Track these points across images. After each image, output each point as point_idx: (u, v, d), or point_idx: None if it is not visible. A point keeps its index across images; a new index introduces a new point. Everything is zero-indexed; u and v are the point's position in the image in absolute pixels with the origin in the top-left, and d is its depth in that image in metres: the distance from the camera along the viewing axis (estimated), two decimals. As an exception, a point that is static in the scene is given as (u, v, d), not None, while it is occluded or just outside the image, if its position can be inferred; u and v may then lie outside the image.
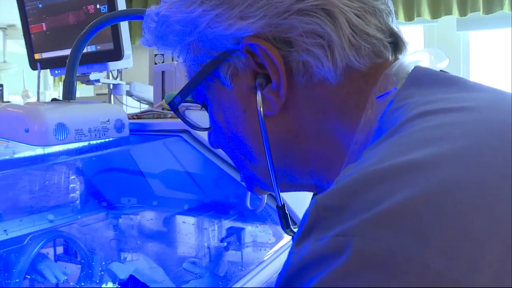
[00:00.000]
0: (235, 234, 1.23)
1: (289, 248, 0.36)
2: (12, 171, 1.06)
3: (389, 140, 0.38)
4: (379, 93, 0.46)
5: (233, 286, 0.87)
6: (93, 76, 1.59)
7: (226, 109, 0.55)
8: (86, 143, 0.90)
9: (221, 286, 0.87)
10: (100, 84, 1.67)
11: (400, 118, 0.40)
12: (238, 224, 1.26)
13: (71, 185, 1.29)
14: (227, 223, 1.26)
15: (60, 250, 1.24)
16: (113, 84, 1.80)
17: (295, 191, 0.59)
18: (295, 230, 0.64)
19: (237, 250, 1.22)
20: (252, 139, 0.54)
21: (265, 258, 1.07)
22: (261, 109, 0.50)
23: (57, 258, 1.23)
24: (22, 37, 1.79)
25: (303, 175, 0.54)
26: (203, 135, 0.96)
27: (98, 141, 0.92)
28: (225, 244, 1.23)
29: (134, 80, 1.82)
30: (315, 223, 0.34)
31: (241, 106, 0.53)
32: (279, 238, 1.17)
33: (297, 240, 0.35)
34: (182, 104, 0.59)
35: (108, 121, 0.92)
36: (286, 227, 0.62)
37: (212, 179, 1.24)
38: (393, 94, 0.45)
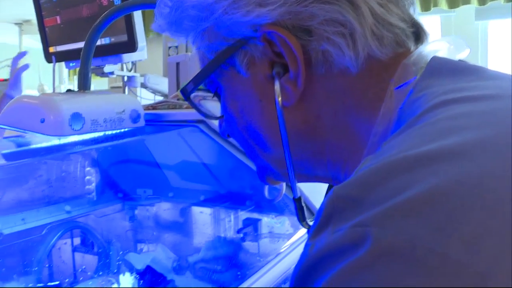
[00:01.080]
0: (252, 225, 1.22)
1: (306, 240, 0.35)
2: (29, 161, 1.06)
3: (409, 130, 0.37)
4: (398, 83, 0.45)
5: (239, 286, 0.85)
6: (107, 68, 1.59)
7: (241, 98, 0.54)
8: (101, 133, 0.90)
9: (223, 287, 0.86)
10: (114, 76, 1.68)
11: (420, 108, 0.39)
12: (255, 215, 1.25)
13: (87, 176, 1.30)
14: (243, 214, 1.25)
15: (77, 240, 1.24)
16: (128, 77, 1.80)
17: (310, 182, 0.58)
18: (311, 223, 0.65)
19: (254, 241, 1.21)
20: (268, 129, 0.53)
21: (282, 250, 1.06)
22: (280, 99, 0.49)
23: (75, 248, 1.24)
24: (37, 32, 1.80)
25: (320, 167, 0.53)
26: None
27: (114, 131, 0.92)
28: (241, 235, 1.22)
29: (148, 73, 1.82)
30: (332, 214, 0.33)
31: (257, 95, 0.52)
32: (296, 229, 1.16)
33: (314, 232, 0.34)
34: (196, 93, 0.58)
35: (123, 111, 0.91)
36: (302, 220, 0.61)
37: (228, 169, 1.23)
38: (412, 84, 0.44)
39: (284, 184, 0.82)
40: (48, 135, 0.83)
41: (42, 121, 0.83)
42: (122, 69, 1.83)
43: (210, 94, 0.62)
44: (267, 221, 1.23)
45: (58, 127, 0.82)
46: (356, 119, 0.48)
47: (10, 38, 5.80)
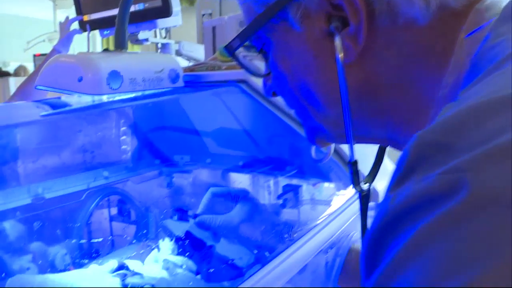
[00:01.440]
0: (292, 191, 1.19)
1: (386, 193, 0.32)
2: (67, 124, 1.05)
3: (491, 76, 0.33)
4: (469, 30, 0.41)
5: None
6: (141, 35, 1.56)
7: (293, 54, 0.50)
8: (139, 93, 0.87)
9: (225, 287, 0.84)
10: (148, 43, 1.65)
11: (500, 54, 0.35)
12: (295, 181, 1.21)
13: (125, 143, 1.28)
14: (283, 180, 1.22)
15: (115, 206, 1.24)
16: (162, 44, 1.78)
17: (364, 143, 0.54)
18: (365, 186, 0.61)
19: (294, 207, 1.18)
20: (323, 87, 0.49)
21: (323, 217, 1.03)
22: (341, 55, 0.45)
23: (113, 214, 1.23)
24: (71, 5, 1.78)
25: (378, 127, 0.50)
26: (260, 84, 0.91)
27: (152, 91, 0.89)
28: (281, 201, 1.19)
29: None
30: (418, 162, 0.30)
31: (312, 52, 0.48)
32: (338, 196, 1.12)
33: (395, 182, 0.31)
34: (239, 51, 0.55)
35: (162, 70, 0.88)
36: (356, 184, 0.58)
37: (269, 132, 1.20)
38: (485, 29, 0.40)
39: (332, 145, 0.78)
40: (86, 94, 0.81)
41: (80, 79, 0.80)
42: (155, 36, 1.81)
43: (250, 53, 0.58)
44: (308, 187, 1.20)
45: (96, 85, 0.80)
46: (422, 75, 0.44)
47: (44, 13, 5.87)
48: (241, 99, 0.97)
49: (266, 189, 1.23)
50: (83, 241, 1.14)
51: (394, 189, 0.31)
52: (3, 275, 0.90)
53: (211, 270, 0.96)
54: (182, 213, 1.03)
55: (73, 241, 1.11)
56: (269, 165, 1.21)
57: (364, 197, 0.66)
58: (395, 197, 0.30)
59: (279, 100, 0.96)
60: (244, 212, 0.92)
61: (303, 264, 0.76)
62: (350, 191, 1.08)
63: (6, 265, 0.95)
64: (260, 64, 0.56)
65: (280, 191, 1.22)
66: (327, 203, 1.11)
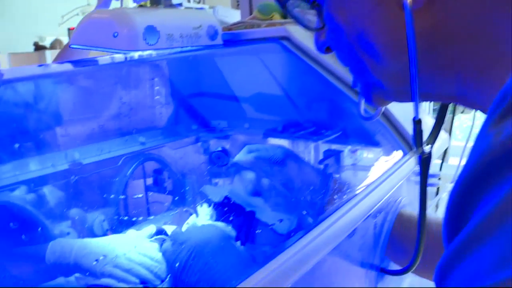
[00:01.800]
0: (334, 156, 1.14)
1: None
2: (103, 88, 1.03)
3: None
4: None
5: None
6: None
7: (352, 3, 0.46)
8: (177, 50, 0.83)
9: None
10: (182, 8, 1.61)
11: None
12: (338, 146, 1.16)
13: (161, 107, 1.25)
14: (325, 145, 1.17)
15: (152, 172, 1.22)
16: (196, 8, 1.73)
17: (427, 101, 0.51)
18: (427, 148, 0.58)
19: (336, 173, 1.13)
20: (387, 37, 0.45)
21: (370, 181, 0.98)
22: (410, 0, 0.41)
23: (150, 181, 1.21)
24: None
25: (446, 82, 0.45)
26: (306, 41, 0.85)
27: (189, 48, 0.85)
28: (322, 166, 1.15)
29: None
30: None
31: None
32: (383, 161, 1.07)
33: (497, 118, 0.28)
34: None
35: (200, 26, 0.84)
36: (419, 145, 0.55)
37: (311, 93, 1.14)
38: None
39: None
40: (121, 50, 0.77)
41: (115, 35, 0.77)
42: (189, 1, 1.77)
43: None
44: (351, 152, 1.15)
45: (132, 41, 0.76)
46: (502, 22, 0.39)
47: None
48: (281, 58, 0.92)
49: (307, 155, 1.19)
50: (120, 207, 1.12)
51: (497, 124, 0.27)
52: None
53: (251, 236, 0.93)
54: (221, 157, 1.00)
55: (111, 207, 1.10)
56: (310, 129, 1.16)
57: (425, 160, 0.61)
58: (499, 132, 0.27)
59: (325, 57, 0.91)
60: (284, 172, 0.87)
61: (351, 228, 0.72)
62: (396, 156, 1.03)
63: (47, 230, 0.95)
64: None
65: (321, 156, 1.17)
66: (372, 168, 1.06)
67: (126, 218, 1.14)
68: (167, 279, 0.79)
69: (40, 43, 5.36)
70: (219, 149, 1.07)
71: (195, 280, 0.75)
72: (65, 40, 5.22)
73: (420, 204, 0.69)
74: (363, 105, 0.71)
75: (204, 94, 1.32)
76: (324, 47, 0.54)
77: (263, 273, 0.57)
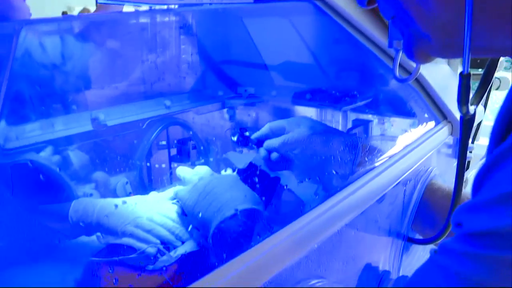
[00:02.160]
0: (362, 126, 1.11)
1: None
2: (129, 50, 1.01)
3: None
4: None
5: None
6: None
7: None
8: (206, 3, 0.80)
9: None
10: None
11: None
12: (364, 116, 1.13)
13: (188, 72, 1.23)
14: (352, 115, 1.14)
15: (176, 137, 1.20)
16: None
17: (476, 56, 0.46)
18: (472, 108, 0.54)
19: (364, 143, 1.10)
20: None
21: (397, 150, 0.95)
22: None
23: (174, 145, 1.20)
24: None
25: (502, 33, 0.42)
26: (340, 2, 0.81)
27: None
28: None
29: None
30: None
31: None
32: (413, 130, 1.03)
33: None
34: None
35: (230, -18, 0.81)
36: (464, 103, 0.52)
37: (343, 58, 1.11)
38: None
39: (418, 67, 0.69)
40: (149, 2, 0.75)
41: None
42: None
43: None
44: (379, 121, 1.11)
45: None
46: None
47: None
48: (313, 20, 0.89)
49: (334, 124, 1.16)
50: (143, 171, 1.12)
51: None
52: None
53: (276, 201, 0.91)
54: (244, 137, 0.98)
55: (134, 170, 1.10)
56: (339, 97, 1.13)
57: (467, 122, 0.58)
58: None
59: (360, 20, 0.87)
60: (310, 138, 0.85)
61: (381, 193, 0.69)
62: (428, 124, 0.99)
63: (71, 190, 0.94)
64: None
65: (349, 125, 1.14)
66: (403, 137, 1.03)
67: (149, 181, 1.13)
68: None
69: (69, 13, 5.39)
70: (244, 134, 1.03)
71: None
72: (93, 9, 5.23)
73: (458, 171, 0.65)
74: (398, 65, 0.68)
75: (232, 59, 1.30)
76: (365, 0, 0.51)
77: (287, 232, 0.55)
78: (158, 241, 0.75)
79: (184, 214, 0.80)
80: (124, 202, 0.80)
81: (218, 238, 0.69)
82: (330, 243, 0.64)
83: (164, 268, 0.70)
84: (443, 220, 0.76)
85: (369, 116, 1.12)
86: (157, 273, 0.69)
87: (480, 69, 0.94)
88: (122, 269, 0.71)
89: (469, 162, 1.34)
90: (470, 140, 1.41)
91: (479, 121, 1.18)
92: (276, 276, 0.52)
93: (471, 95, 0.57)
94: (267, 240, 0.53)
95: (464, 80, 0.49)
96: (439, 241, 0.76)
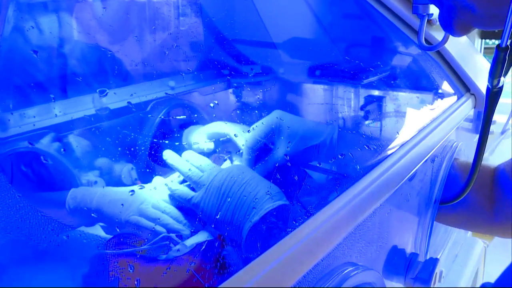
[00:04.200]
0: (376, 102, 1.07)
1: None
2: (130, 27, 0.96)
3: None
4: None
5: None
6: None
7: None
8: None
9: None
10: None
11: None
12: (377, 92, 1.09)
13: (191, 50, 1.18)
14: (364, 91, 1.09)
15: (181, 119, 1.16)
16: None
17: None
18: (501, 83, 0.52)
19: (377, 120, 1.06)
20: None
21: (419, 127, 0.91)
22: None
23: (180, 126, 1.15)
24: None
25: None
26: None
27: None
28: (362, 113, 1.08)
29: None
30: None
31: None
32: (426, 107, 0.99)
33: None
34: None
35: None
36: (497, 75, 0.50)
37: (355, 31, 1.06)
38: None
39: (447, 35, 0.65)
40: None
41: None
42: None
43: None
44: (393, 97, 1.07)
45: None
46: None
47: None
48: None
49: (346, 101, 1.11)
50: (149, 155, 1.07)
51: None
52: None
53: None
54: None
55: (139, 155, 1.05)
56: (350, 73, 1.08)
57: (495, 94, 0.55)
58: None
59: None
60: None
61: (413, 170, 0.66)
62: (450, 99, 0.95)
63: (74, 178, 0.90)
64: None
65: (361, 102, 1.10)
66: (425, 112, 0.99)
67: (154, 166, 1.09)
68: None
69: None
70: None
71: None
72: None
73: (479, 142, 0.63)
74: (423, 33, 0.64)
75: (238, 37, 1.24)
76: None
77: (324, 215, 0.51)
78: (165, 230, 0.71)
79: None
80: (126, 190, 0.76)
81: (250, 245, 0.64)
82: (362, 225, 0.60)
83: (186, 257, 0.66)
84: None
85: (387, 92, 1.07)
86: (176, 263, 0.65)
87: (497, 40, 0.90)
88: (137, 261, 0.66)
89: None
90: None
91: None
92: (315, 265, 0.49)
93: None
94: (303, 226, 0.49)
95: (501, 53, 0.47)
96: (460, 199, 0.74)
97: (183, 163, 0.77)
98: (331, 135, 0.78)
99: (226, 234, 0.67)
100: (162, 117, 1.08)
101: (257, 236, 0.63)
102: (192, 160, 0.78)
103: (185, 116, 1.16)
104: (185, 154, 0.81)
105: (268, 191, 0.65)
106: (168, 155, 0.80)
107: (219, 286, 0.40)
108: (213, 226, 0.69)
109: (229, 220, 0.66)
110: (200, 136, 0.91)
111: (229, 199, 0.67)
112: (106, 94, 0.92)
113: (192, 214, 0.73)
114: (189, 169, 0.75)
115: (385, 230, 0.69)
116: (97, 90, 0.93)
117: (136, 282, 0.56)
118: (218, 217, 0.68)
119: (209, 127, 0.89)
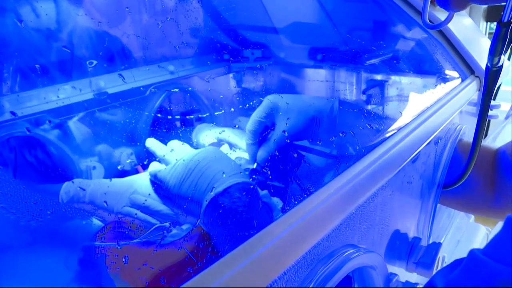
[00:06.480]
0: (378, 86, 1.05)
1: None
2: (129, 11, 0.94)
3: None
4: None
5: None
6: None
7: None
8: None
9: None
10: None
11: None
12: (379, 77, 1.07)
13: (191, 33, 1.16)
14: (367, 75, 1.07)
15: (181, 103, 1.14)
16: None
17: None
18: (502, 59, 0.50)
19: (379, 104, 1.04)
20: None
21: (407, 113, 0.89)
22: None
23: (179, 111, 1.14)
24: None
25: None
26: None
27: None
28: (364, 97, 1.06)
29: None
30: None
31: None
32: (437, 88, 0.97)
33: None
34: None
35: None
36: (498, 53, 0.48)
37: (357, 14, 1.04)
38: None
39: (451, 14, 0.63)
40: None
41: None
42: None
43: None
44: (395, 81, 1.05)
45: None
46: None
47: None
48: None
49: (348, 84, 1.10)
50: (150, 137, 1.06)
51: None
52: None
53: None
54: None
55: (138, 140, 1.04)
56: (352, 57, 1.06)
57: (494, 73, 0.53)
58: None
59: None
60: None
61: (416, 151, 0.64)
62: (454, 81, 0.93)
63: (73, 164, 0.89)
64: None
65: (363, 86, 1.08)
66: (429, 93, 0.97)
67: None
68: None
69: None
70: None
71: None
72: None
73: (479, 122, 0.61)
74: (427, 11, 0.62)
75: (239, 22, 1.22)
76: None
77: (325, 193, 0.50)
78: (158, 222, 0.69)
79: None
80: (120, 181, 0.74)
81: (210, 215, 0.62)
82: (363, 207, 0.58)
83: (184, 240, 0.64)
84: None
85: (389, 76, 1.05)
86: (173, 246, 0.64)
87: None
88: (132, 246, 0.65)
89: (489, 121, 1.29)
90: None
91: (506, 76, 1.12)
92: (314, 245, 0.47)
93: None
94: (301, 205, 0.48)
95: (503, 29, 0.45)
96: (460, 182, 0.72)
97: (162, 147, 0.76)
98: (331, 105, 0.76)
99: (185, 207, 0.66)
100: (161, 101, 1.07)
101: (216, 210, 0.61)
102: (175, 147, 0.76)
103: (185, 100, 1.15)
104: (171, 142, 0.80)
105: (236, 170, 0.64)
106: (149, 141, 0.79)
107: (213, 264, 0.39)
108: (175, 198, 0.68)
109: (190, 194, 0.65)
110: (208, 139, 0.90)
111: (193, 173, 0.65)
112: (95, 65, 0.90)
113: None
114: (166, 154, 0.74)
115: (387, 213, 0.68)
116: (87, 62, 0.91)
117: (124, 259, 0.55)
118: (180, 190, 0.66)
119: (222, 134, 0.88)
